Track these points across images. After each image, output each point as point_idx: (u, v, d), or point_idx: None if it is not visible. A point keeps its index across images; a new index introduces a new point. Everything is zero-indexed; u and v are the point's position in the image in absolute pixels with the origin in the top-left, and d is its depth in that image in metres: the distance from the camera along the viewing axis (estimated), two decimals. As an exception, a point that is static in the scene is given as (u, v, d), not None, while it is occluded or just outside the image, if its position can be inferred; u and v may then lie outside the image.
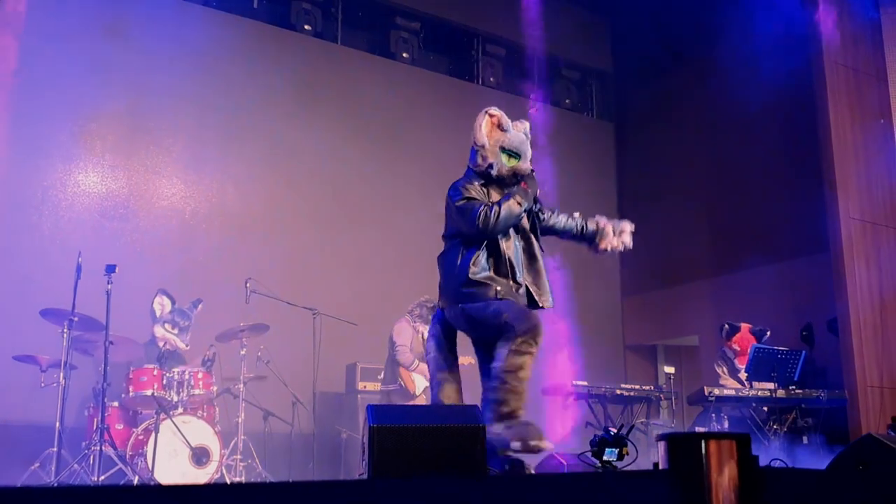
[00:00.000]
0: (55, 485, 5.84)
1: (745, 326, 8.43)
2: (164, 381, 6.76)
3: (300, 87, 9.49)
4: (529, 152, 4.91)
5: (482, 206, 4.62)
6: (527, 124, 5.12)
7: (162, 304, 7.34)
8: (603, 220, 5.14)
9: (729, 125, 10.46)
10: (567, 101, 11.97)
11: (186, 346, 7.35)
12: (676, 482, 1.37)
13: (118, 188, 8.45)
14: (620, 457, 3.87)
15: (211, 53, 8.78)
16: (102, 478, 6.10)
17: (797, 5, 9.46)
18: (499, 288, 4.57)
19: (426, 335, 7.89)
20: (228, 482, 6.58)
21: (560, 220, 5.12)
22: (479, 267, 4.63)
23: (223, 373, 7.33)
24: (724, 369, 8.41)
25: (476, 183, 4.83)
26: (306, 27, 9.84)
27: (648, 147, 11.73)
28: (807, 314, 9.13)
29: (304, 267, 8.99)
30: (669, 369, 8.30)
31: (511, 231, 4.73)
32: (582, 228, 5.12)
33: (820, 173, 9.00)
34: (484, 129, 4.95)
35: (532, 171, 4.83)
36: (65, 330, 6.40)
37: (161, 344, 7.22)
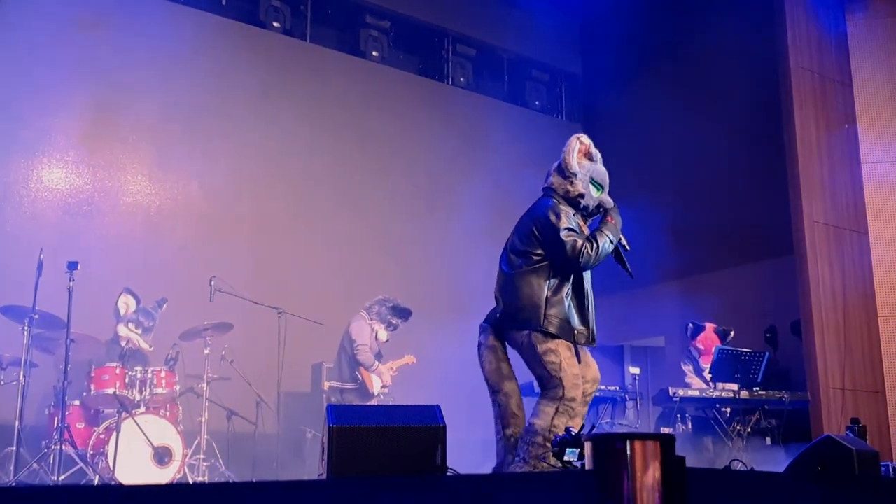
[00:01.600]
0: (13, 485, 5.76)
1: (709, 326, 8.51)
2: (127, 380, 6.70)
3: (268, 84, 9.44)
4: (608, 183, 4.92)
5: (582, 240, 4.60)
6: (600, 154, 5.10)
7: (127, 304, 7.26)
8: None
9: (695, 128, 10.52)
10: (537, 102, 11.99)
11: (150, 347, 7.28)
12: (601, 482, 1.37)
13: (82, 184, 8.35)
14: (581, 457, 3.88)
15: (178, 50, 8.70)
16: (62, 477, 6.04)
17: (764, 11, 9.54)
18: (576, 332, 4.63)
19: (381, 335, 7.92)
20: (191, 482, 6.54)
21: None
22: (562, 301, 4.62)
23: (186, 372, 7.28)
24: (690, 368, 8.48)
25: (570, 210, 4.77)
26: (275, 24, 9.78)
27: (616, 149, 11.68)
28: (771, 316, 9.22)
29: (269, 266, 8.93)
30: (635, 370, 8.35)
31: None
32: None
33: (785, 177, 9.07)
34: (576, 155, 4.88)
35: (614, 203, 4.82)
36: (25, 327, 6.32)
37: (123, 343, 7.14)
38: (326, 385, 7.99)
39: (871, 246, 9.09)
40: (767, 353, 8.19)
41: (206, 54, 8.89)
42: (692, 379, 8.45)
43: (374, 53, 10.50)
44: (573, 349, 4.62)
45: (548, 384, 4.57)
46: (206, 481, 6.73)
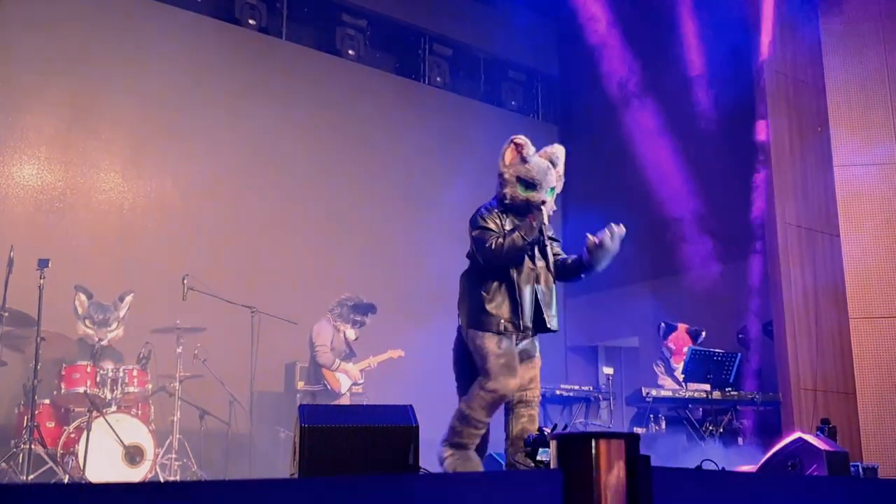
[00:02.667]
0: (-19, 484, 5.70)
1: (681, 326, 8.57)
2: (98, 379, 6.64)
3: (243, 82, 9.39)
4: (550, 182, 4.98)
5: (491, 237, 4.78)
6: (558, 149, 5.17)
7: (80, 301, 7.16)
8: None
9: (670, 130, 10.57)
10: (513, 102, 12.01)
11: (104, 341, 7.14)
12: (565, 481, 1.37)
13: (54, 181, 8.27)
14: (554, 457, 3.88)
15: (153, 46, 8.65)
16: (32, 477, 5.98)
17: (739, 14, 9.60)
18: (503, 321, 4.77)
19: (348, 334, 7.93)
20: (162, 481, 6.49)
21: (565, 257, 5.20)
22: (491, 296, 4.80)
23: (158, 370, 7.22)
24: (662, 368, 8.54)
25: (496, 210, 4.95)
26: (251, 22, 9.73)
27: (592, 150, 11.81)
28: (743, 317, 9.27)
29: (243, 264, 8.88)
30: (609, 370, 8.38)
31: (527, 261, 4.88)
32: (576, 260, 5.16)
33: (759, 179, 9.13)
34: (506, 157, 5.00)
35: (543, 202, 4.88)
36: (-6, 325, 6.25)
37: (91, 341, 7.07)
38: (301, 385, 7.97)
39: (843, 248, 9.17)
40: (740, 354, 8.26)
41: (181, 51, 8.83)
42: (664, 380, 8.51)
43: (351, 52, 10.47)
44: (505, 343, 4.76)
45: (479, 374, 4.78)
46: (178, 480, 6.69)
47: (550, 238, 5.00)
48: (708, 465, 4.38)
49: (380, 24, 10.84)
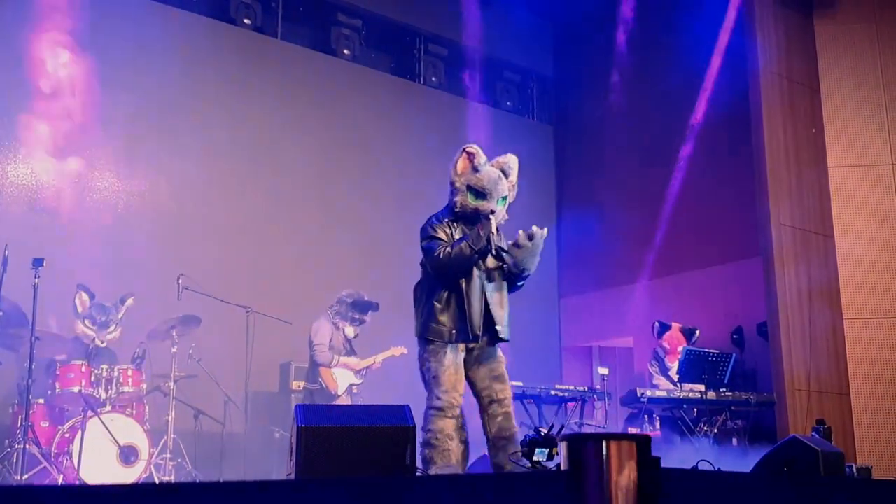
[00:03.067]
0: (-25, 484, 5.68)
1: (675, 325, 8.58)
2: (93, 378, 6.63)
3: (238, 81, 9.37)
4: (501, 191, 5.02)
5: (439, 248, 4.83)
6: (511, 158, 5.22)
7: (82, 301, 7.14)
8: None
9: (666, 131, 10.60)
10: (508, 102, 12.01)
11: (103, 343, 7.12)
12: (576, 483, 1.37)
13: (48, 180, 8.24)
14: (550, 457, 3.89)
15: (148, 45, 8.62)
16: (25, 477, 5.97)
17: (735, 15, 9.62)
18: (454, 331, 4.81)
19: (348, 331, 7.92)
20: (157, 482, 6.48)
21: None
22: (442, 305, 4.85)
23: (153, 370, 7.21)
24: (656, 368, 8.55)
25: (446, 220, 5.02)
26: (246, 21, 9.70)
27: (587, 151, 11.84)
28: (738, 318, 9.29)
29: (237, 264, 8.86)
30: (604, 370, 8.38)
31: (475, 271, 4.90)
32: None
33: (753, 180, 9.15)
34: (458, 166, 5.06)
35: (492, 211, 4.92)
36: (-11, 325, 6.24)
37: (87, 340, 7.05)
38: (298, 385, 7.96)
39: (837, 249, 9.20)
40: (734, 355, 8.27)
41: (176, 50, 8.80)
42: (659, 380, 8.52)
43: (346, 52, 10.46)
44: (450, 356, 4.81)
45: (426, 390, 4.86)
46: (173, 481, 6.67)
47: (500, 248, 5.01)
48: (704, 466, 4.38)
49: (375, 23, 10.83)
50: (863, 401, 8.89)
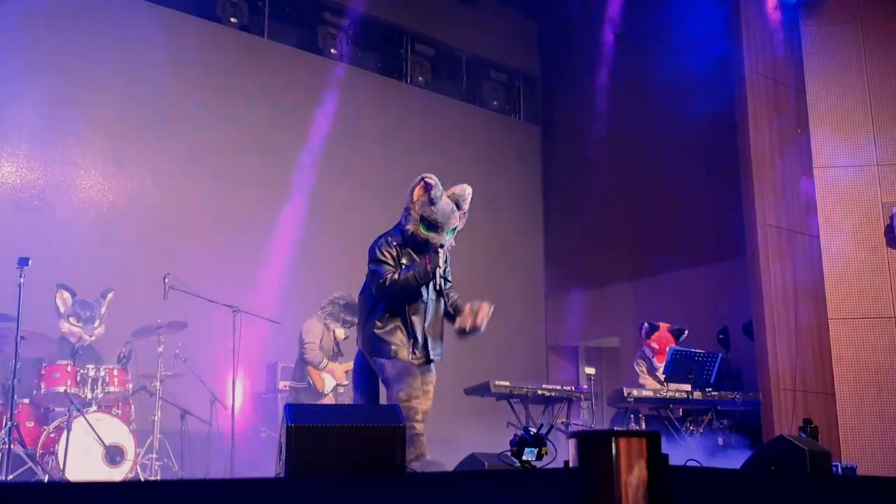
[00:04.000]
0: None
1: (663, 325, 8.60)
2: (78, 378, 6.59)
3: (224, 80, 9.35)
4: (452, 224, 5.25)
5: (386, 273, 5.08)
6: (466, 189, 5.38)
7: (63, 299, 7.09)
8: (468, 304, 5.32)
9: (651, 131, 10.63)
10: (495, 102, 12.03)
11: (91, 336, 7.10)
12: (586, 480, 1.37)
13: (34, 179, 8.20)
14: (539, 456, 3.89)
15: (133, 43, 8.59)
16: (11, 477, 5.92)
17: (721, 17, 9.65)
18: (394, 347, 5.09)
19: (338, 333, 7.91)
20: (142, 480, 6.45)
21: (452, 296, 5.41)
22: (384, 323, 5.13)
23: (139, 370, 7.17)
24: (644, 368, 8.56)
25: (395, 243, 5.23)
26: (232, 20, 9.68)
27: (573, 151, 11.86)
28: (723, 318, 9.33)
29: (224, 263, 8.82)
30: (590, 370, 8.38)
31: (419, 297, 5.17)
32: (455, 307, 5.39)
33: (738, 180, 9.18)
34: (415, 193, 5.23)
35: (442, 245, 5.14)
36: (-27, 324, 6.19)
37: (74, 340, 7.02)
38: (285, 385, 7.94)
39: (822, 249, 9.23)
40: (720, 354, 8.29)
41: (162, 49, 8.76)
42: (646, 379, 8.54)
43: (333, 51, 10.45)
44: (398, 366, 5.09)
45: (386, 387, 5.20)
46: (162, 480, 6.64)
47: (444, 278, 5.24)
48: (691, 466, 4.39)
49: (362, 23, 10.80)
50: (847, 400, 8.94)
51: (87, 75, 8.42)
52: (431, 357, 5.22)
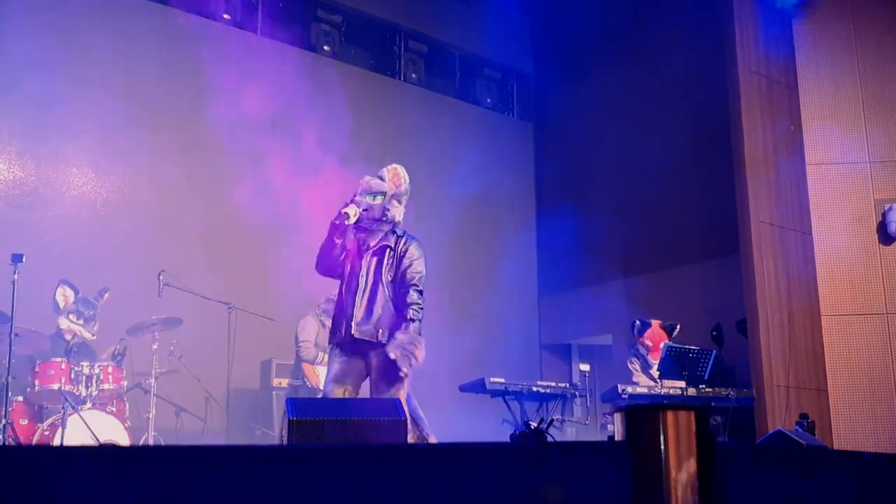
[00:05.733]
0: None
1: (655, 322, 8.60)
2: (73, 375, 6.56)
3: (218, 77, 9.30)
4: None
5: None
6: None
7: (65, 295, 7.08)
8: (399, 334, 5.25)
9: (644, 129, 10.65)
10: (488, 100, 12.02)
11: (93, 335, 7.10)
12: (633, 454, 1.36)
13: (26, 175, 8.16)
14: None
15: (125, 40, 8.56)
16: (5, 475, 5.88)
17: (713, 13, 9.67)
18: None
19: None
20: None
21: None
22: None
23: (134, 367, 7.16)
24: (637, 366, 8.56)
25: None
26: (226, 16, 9.65)
27: (567, 148, 11.87)
28: (717, 315, 9.34)
29: (219, 260, 8.80)
30: (585, 367, 8.41)
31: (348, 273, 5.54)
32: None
33: (731, 177, 9.20)
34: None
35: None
36: (-33, 321, 6.16)
37: (69, 336, 6.98)
38: (279, 382, 7.94)
39: (815, 246, 9.26)
40: (714, 351, 8.30)
41: (155, 45, 8.75)
42: (639, 377, 8.54)
43: (326, 48, 10.43)
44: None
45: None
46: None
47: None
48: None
49: (355, 19, 10.80)
50: (840, 397, 8.96)
51: (79, 71, 8.38)
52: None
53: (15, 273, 6.11)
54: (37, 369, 6.52)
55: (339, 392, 4.95)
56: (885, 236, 9.17)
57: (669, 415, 1.40)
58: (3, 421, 5.95)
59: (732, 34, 9.35)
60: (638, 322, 8.67)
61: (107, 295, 7.21)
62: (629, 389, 7.91)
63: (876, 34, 9.65)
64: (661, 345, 8.29)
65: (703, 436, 1.39)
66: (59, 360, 6.62)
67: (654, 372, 8.35)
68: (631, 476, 1.37)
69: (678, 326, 8.59)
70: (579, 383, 8.51)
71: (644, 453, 1.37)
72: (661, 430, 1.38)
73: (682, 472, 1.37)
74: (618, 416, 1.49)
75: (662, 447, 1.37)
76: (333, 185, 9.94)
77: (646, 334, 8.64)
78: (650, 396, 7.96)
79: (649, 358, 8.46)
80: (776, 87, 9.51)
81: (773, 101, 9.46)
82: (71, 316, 7.03)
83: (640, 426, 1.40)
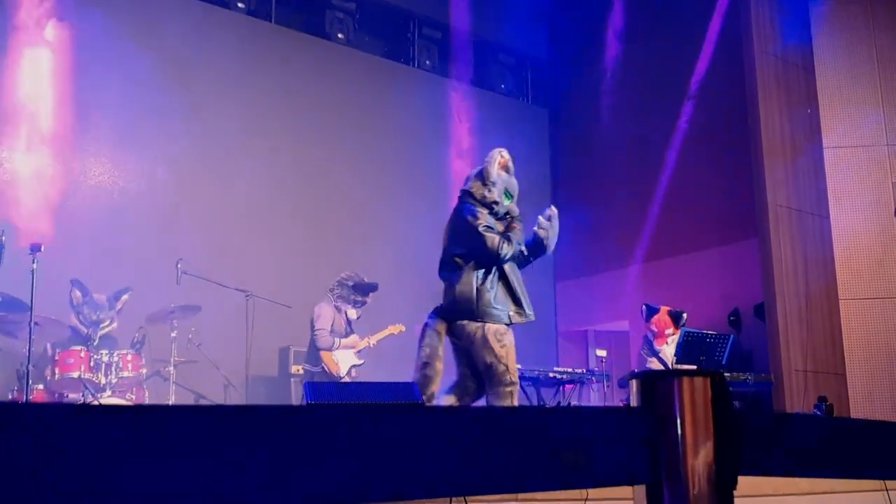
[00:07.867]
0: None
1: (664, 308, 8.55)
2: (92, 364, 6.60)
3: (232, 65, 9.32)
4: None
5: (499, 237, 5.30)
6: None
7: (76, 297, 7.09)
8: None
9: (660, 114, 10.60)
10: (503, 86, 11.99)
11: (95, 341, 7.04)
12: (649, 420, 1.37)
13: (44, 167, 8.19)
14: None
15: (141, 29, 8.57)
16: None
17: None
18: (511, 313, 5.30)
19: (350, 314, 7.93)
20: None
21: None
22: (495, 291, 5.30)
23: (153, 355, 7.19)
24: (646, 350, 8.54)
25: (485, 212, 5.41)
26: (240, 5, 9.65)
27: (582, 134, 11.83)
28: (734, 299, 9.32)
29: (236, 248, 8.83)
30: (601, 352, 8.39)
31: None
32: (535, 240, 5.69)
33: (749, 162, 9.16)
34: (496, 167, 5.53)
35: (518, 214, 5.56)
36: (-13, 311, 6.21)
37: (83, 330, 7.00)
38: (297, 369, 7.95)
39: (833, 230, 9.22)
40: (732, 336, 8.28)
41: (169, 35, 8.75)
42: (652, 362, 8.51)
43: (340, 35, 10.41)
44: (511, 335, 5.30)
45: (495, 371, 5.19)
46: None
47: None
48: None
49: (369, 7, 10.78)
50: (858, 381, 8.94)
51: (96, 61, 8.39)
52: (530, 314, 5.43)
53: (34, 263, 6.14)
54: (57, 358, 6.57)
55: None
56: (903, 219, 9.11)
57: (685, 381, 1.41)
58: (25, 409, 5.99)
59: (748, 17, 9.30)
60: (644, 307, 8.62)
61: (125, 297, 7.13)
62: (646, 374, 7.90)
63: (893, 16, 9.57)
64: (668, 331, 8.25)
65: (718, 402, 1.39)
66: (78, 348, 6.66)
67: (664, 357, 8.30)
68: (646, 442, 1.38)
69: (685, 314, 8.54)
70: (596, 369, 8.51)
71: (659, 419, 1.38)
72: (677, 396, 1.39)
73: (698, 438, 1.38)
74: (633, 383, 1.50)
75: (678, 413, 1.38)
76: (348, 171, 9.98)
77: (653, 319, 8.59)
78: (667, 379, 7.95)
79: (655, 344, 8.41)
80: (793, 70, 9.45)
81: (791, 84, 9.40)
82: (79, 317, 7.00)
83: (656, 393, 1.41)
